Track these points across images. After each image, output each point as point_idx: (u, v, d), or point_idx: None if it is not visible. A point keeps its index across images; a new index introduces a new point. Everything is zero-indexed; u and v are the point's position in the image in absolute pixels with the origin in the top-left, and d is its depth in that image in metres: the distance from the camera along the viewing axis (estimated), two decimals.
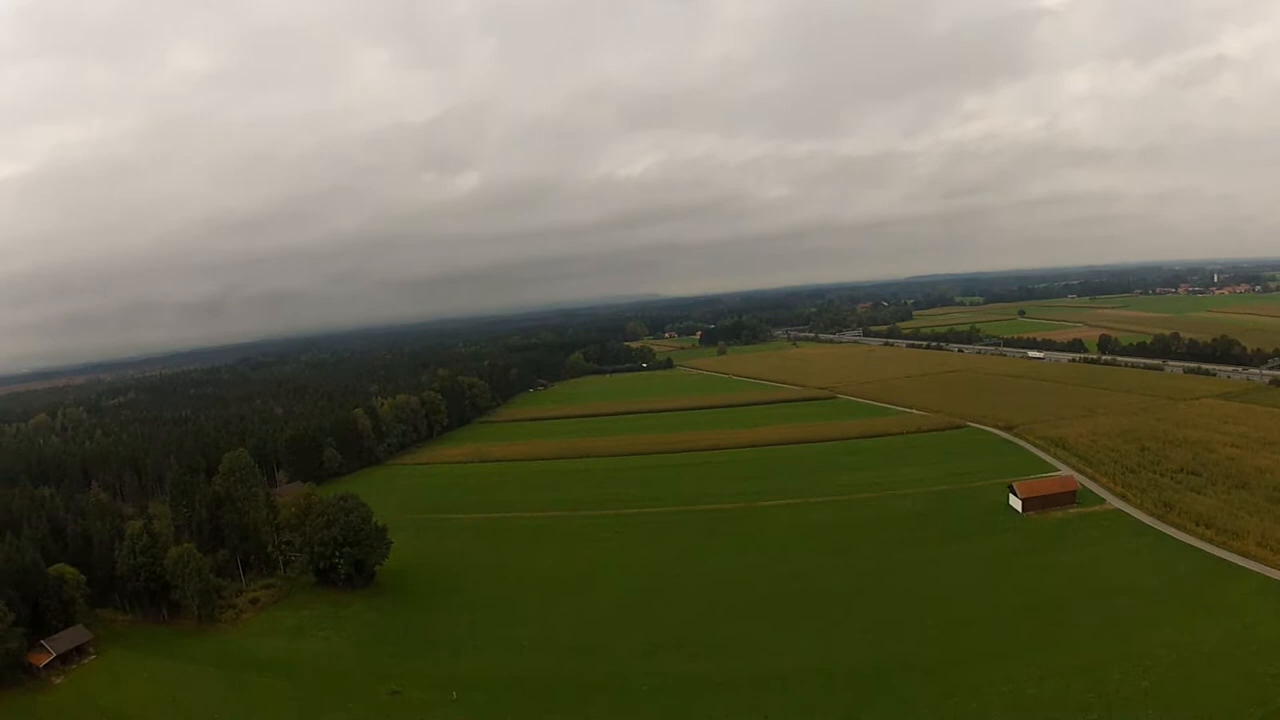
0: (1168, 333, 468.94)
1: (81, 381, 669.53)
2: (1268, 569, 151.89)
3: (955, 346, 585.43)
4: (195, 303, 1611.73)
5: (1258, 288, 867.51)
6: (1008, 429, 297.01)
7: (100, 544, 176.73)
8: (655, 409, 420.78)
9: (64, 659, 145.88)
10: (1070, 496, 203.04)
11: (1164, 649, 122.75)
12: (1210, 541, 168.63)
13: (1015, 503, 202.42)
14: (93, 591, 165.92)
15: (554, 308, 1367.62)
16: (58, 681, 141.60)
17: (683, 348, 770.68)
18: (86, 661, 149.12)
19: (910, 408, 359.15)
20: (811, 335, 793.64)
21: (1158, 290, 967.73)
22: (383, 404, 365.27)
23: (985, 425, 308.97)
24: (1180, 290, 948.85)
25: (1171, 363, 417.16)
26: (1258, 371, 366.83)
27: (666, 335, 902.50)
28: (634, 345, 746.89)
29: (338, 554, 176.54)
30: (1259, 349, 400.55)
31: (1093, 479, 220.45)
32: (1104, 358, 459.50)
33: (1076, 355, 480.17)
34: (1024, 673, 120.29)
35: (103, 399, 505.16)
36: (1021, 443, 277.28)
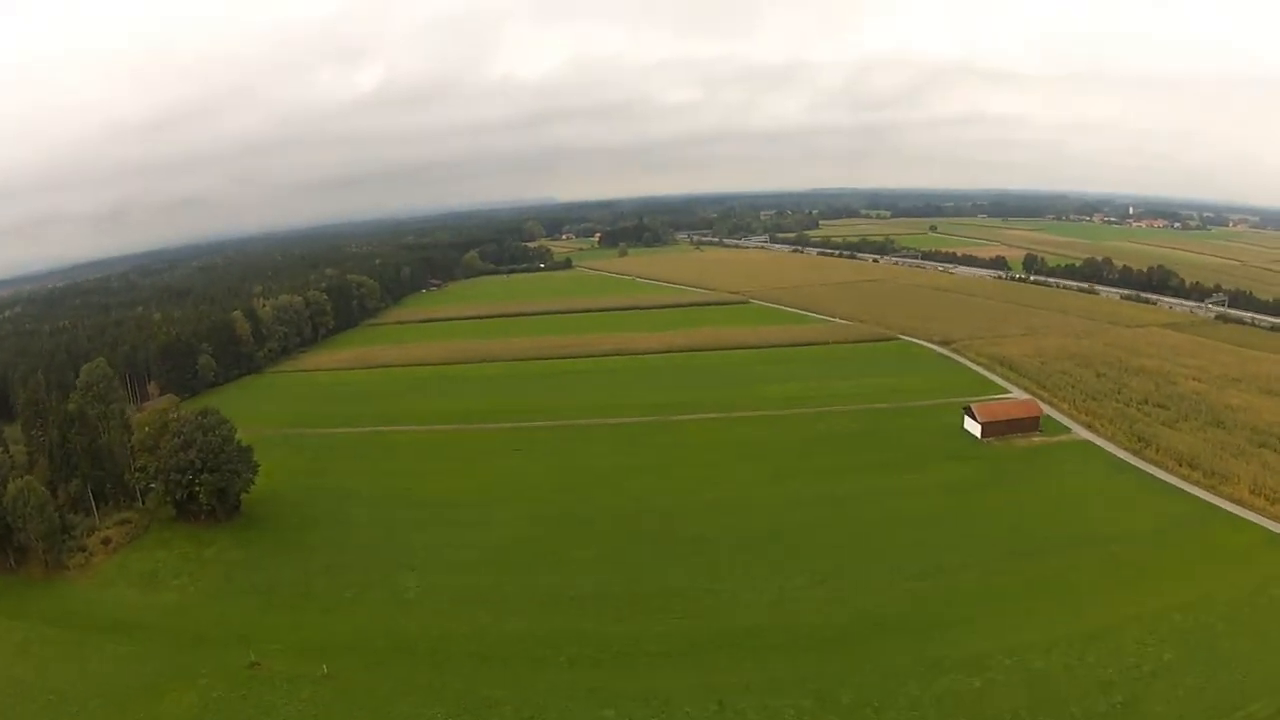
0: (1099, 257, 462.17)
1: None
2: (1267, 520, 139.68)
3: (870, 256, 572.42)
4: (97, 212, 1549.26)
5: (1176, 224, 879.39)
6: (944, 344, 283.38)
7: None
8: (555, 310, 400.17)
9: None
10: (1034, 423, 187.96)
11: (1178, 611, 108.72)
12: (1198, 485, 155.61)
13: (973, 427, 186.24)
14: None
15: (451, 210, 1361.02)
16: None
17: (581, 249, 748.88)
18: None
19: (833, 316, 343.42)
20: (715, 240, 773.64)
21: (1071, 217, 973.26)
22: (263, 305, 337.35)
23: (918, 339, 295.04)
24: (1095, 219, 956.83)
25: (1104, 288, 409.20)
26: (1201, 305, 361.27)
27: (564, 236, 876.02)
28: (531, 245, 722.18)
29: (196, 482, 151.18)
30: (1198, 283, 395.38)
31: (1051, 404, 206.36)
32: (1032, 277, 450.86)
33: (1003, 273, 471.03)
34: (1026, 639, 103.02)
35: None
36: (962, 359, 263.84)
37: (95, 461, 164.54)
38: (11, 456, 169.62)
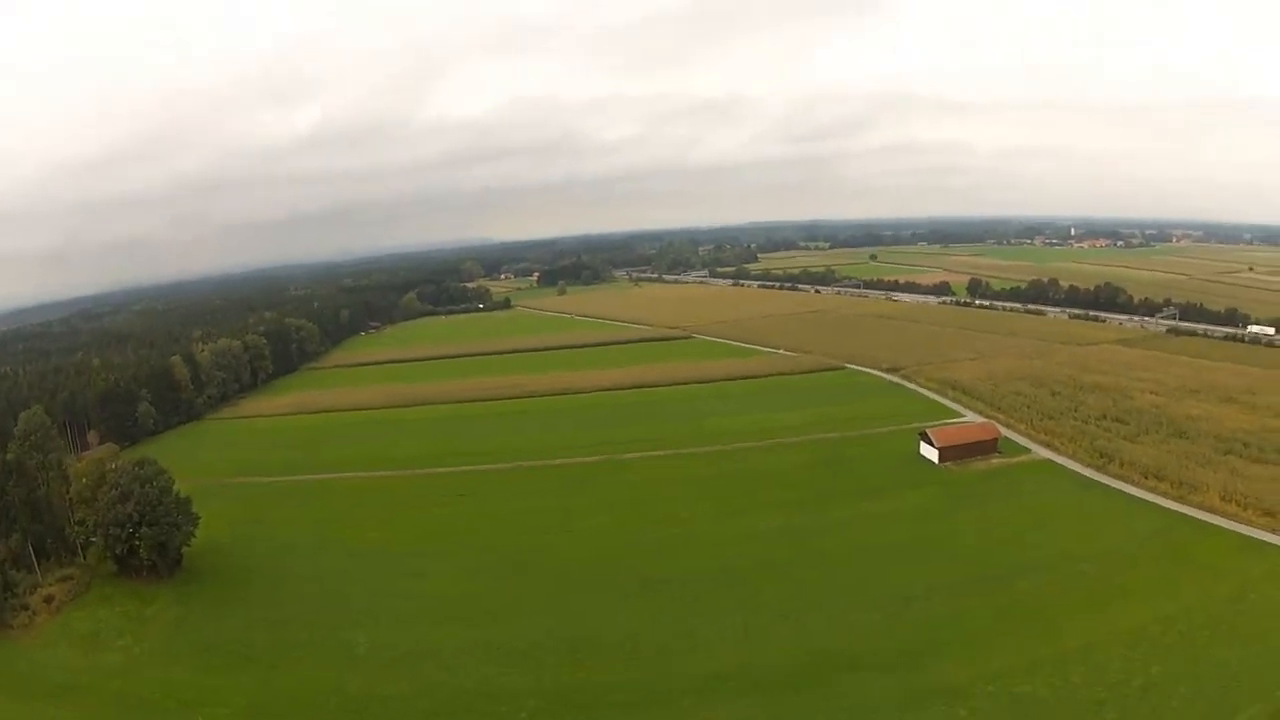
0: (1045, 278, 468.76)
1: None
2: (1240, 526, 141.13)
3: (811, 287, 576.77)
4: (41, 254, 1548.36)
5: (1119, 243, 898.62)
6: (892, 371, 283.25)
7: None
8: (496, 350, 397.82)
9: None
10: (992, 445, 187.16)
11: (1159, 624, 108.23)
12: (1166, 496, 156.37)
13: (929, 452, 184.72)
14: None
15: (390, 252, 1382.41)
16: None
17: (520, 288, 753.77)
18: None
19: (776, 348, 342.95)
20: (655, 276, 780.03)
21: (1012, 241, 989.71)
22: (202, 350, 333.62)
23: (865, 367, 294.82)
24: (1037, 241, 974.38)
25: (1051, 309, 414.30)
26: (1151, 320, 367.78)
27: (503, 276, 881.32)
28: (470, 286, 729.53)
29: (136, 536, 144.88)
30: (1147, 298, 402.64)
31: (1008, 425, 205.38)
32: (977, 302, 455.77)
33: (947, 298, 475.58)
34: (1005, 664, 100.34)
35: None
36: (911, 385, 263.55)
37: (35, 514, 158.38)
38: None
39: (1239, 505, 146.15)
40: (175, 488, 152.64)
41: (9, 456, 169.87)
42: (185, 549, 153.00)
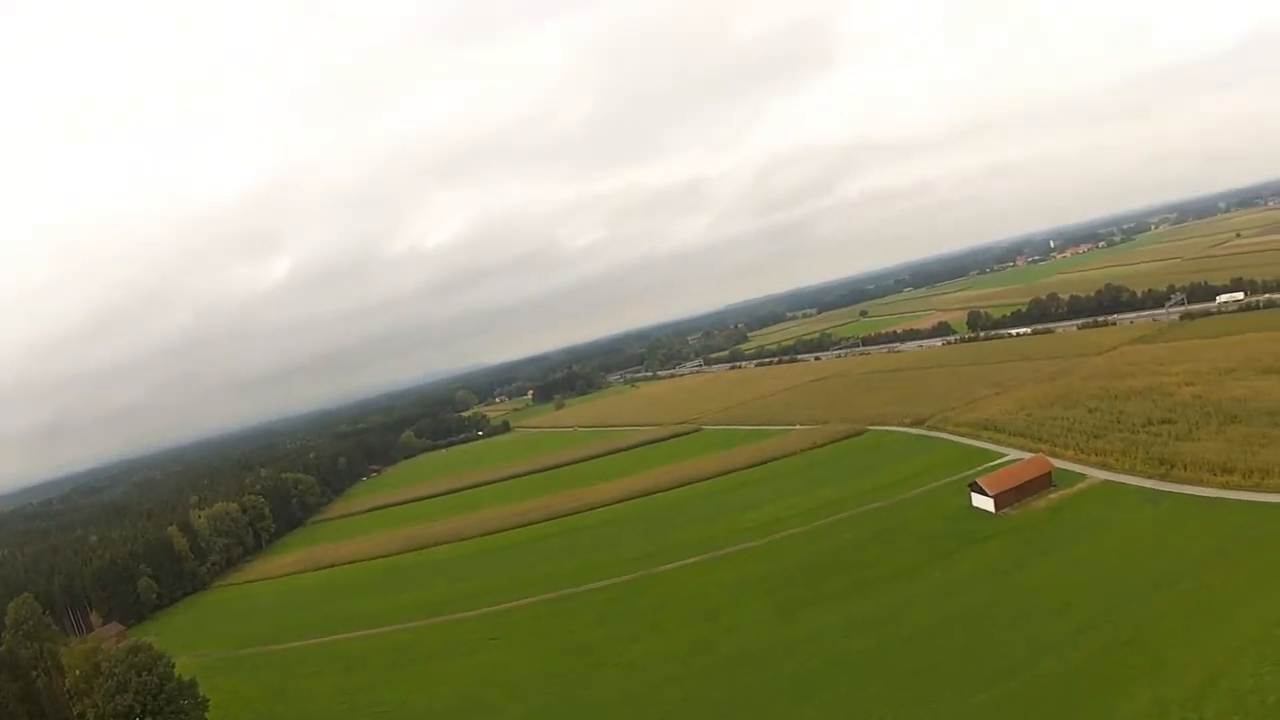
0: (1043, 295, 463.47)
1: None
2: None
3: (810, 356, 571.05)
4: (35, 432, 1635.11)
5: (1100, 244, 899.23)
6: (917, 424, 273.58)
7: None
8: (503, 477, 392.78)
9: None
10: (1047, 479, 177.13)
11: (1275, 625, 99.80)
12: (1241, 488, 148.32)
13: (983, 502, 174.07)
14: None
15: (381, 392, 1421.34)
16: None
17: (516, 409, 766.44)
18: None
19: (791, 424, 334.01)
20: (649, 374, 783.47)
21: (994, 268, 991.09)
22: (199, 517, 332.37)
23: (888, 425, 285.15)
24: (1019, 262, 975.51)
25: (1058, 325, 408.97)
26: (1162, 311, 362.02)
27: (497, 399, 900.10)
28: (466, 414, 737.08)
29: None
30: (1150, 290, 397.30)
31: (1055, 454, 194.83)
32: (981, 334, 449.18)
33: (950, 338, 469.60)
34: (1131, 717, 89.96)
35: None
36: (942, 435, 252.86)
37: (34, 710, 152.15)
38: None
39: None
40: (176, 671, 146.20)
41: (1, 649, 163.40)
42: None
